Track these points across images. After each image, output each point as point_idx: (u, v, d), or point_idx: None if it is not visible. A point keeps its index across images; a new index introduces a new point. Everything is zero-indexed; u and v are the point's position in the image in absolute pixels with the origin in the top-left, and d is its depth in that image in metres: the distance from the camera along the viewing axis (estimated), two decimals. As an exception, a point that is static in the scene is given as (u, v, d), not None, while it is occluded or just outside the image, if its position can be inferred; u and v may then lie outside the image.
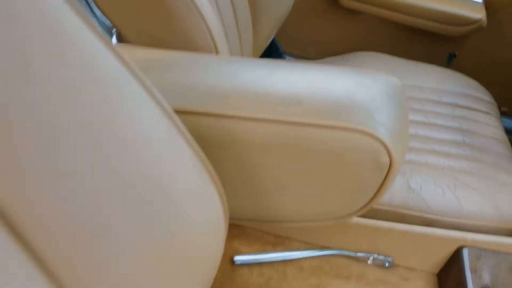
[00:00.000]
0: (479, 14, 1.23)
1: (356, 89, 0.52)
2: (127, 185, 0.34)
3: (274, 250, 0.74)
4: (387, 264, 0.75)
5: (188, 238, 0.40)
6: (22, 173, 0.31)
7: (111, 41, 0.36)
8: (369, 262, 0.75)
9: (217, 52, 0.69)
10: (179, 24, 0.66)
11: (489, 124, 1.03)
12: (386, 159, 0.48)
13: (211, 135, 0.46)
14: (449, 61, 1.41)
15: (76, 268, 0.33)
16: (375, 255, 0.74)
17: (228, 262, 0.70)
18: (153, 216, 0.36)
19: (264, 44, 1.16)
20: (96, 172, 0.32)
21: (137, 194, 0.35)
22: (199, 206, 0.40)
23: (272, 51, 1.34)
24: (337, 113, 0.48)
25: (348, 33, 1.40)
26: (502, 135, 1.01)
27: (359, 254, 0.75)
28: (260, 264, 0.71)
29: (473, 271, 0.70)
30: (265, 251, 0.73)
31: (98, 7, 0.70)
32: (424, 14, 1.29)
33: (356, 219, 0.73)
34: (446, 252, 0.74)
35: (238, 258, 0.70)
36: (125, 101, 0.34)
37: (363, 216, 0.74)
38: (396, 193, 0.76)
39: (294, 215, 0.55)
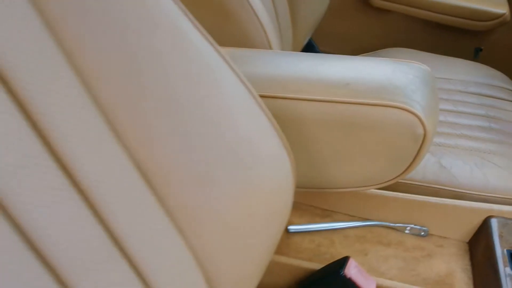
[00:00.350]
0: (503, 9, 1.31)
1: (394, 74, 0.62)
2: (222, 143, 0.45)
3: (322, 221, 0.84)
4: (422, 233, 0.84)
5: (265, 192, 0.50)
6: (154, 134, 0.42)
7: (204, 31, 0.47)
8: (406, 231, 0.84)
9: (270, 48, 0.80)
10: (238, 24, 0.77)
11: (514, 111, 1.11)
12: (421, 131, 0.58)
13: (275, 114, 0.57)
14: (476, 55, 1.49)
15: (181, 197, 0.44)
16: (412, 225, 0.84)
17: (283, 230, 0.80)
18: (239, 169, 0.47)
19: (302, 42, 1.27)
20: (203, 132, 0.44)
21: (229, 150, 0.46)
22: (274, 166, 0.50)
23: (308, 49, 1.44)
24: (379, 93, 0.58)
25: (379, 30, 1.49)
26: (527, 121, 1.09)
27: (397, 225, 0.84)
28: (310, 232, 0.82)
29: (500, 236, 0.79)
30: (314, 222, 0.83)
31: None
32: (450, 11, 1.38)
33: (393, 194, 0.83)
34: (475, 222, 0.83)
35: (292, 227, 0.81)
36: (226, 84, 0.45)
37: (400, 190, 0.83)
38: (429, 171, 0.86)
39: (343, 182, 0.65)
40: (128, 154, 0.42)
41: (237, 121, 0.47)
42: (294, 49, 1.22)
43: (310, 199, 0.86)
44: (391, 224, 0.84)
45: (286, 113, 0.59)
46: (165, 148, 0.43)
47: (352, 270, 0.64)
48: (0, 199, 0.34)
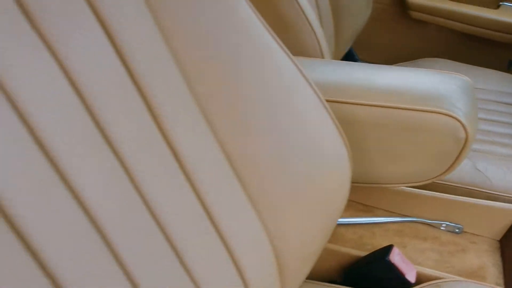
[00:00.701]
0: (537, 24, 1.37)
1: (440, 84, 0.70)
2: (298, 139, 0.54)
3: (364, 215, 0.92)
4: (457, 230, 0.91)
5: (329, 181, 0.59)
6: (243, 129, 0.51)
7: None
8: (442, 228, 0.92)
9: (322, 57, 0.89)
10: (296, 34, 0.86)
11: (546, 122, 1.17)
12: (463, 135, 0.66)
13: (336, 117, 0.65)
14: (510, 67, 1.55)
15: (261, 182, 0.53)
16: (447, 223, 0.91)
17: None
18: (310, 161, 0.55)
19: (344, 50, 1.35)
20: (284, 129, 0.52)
21: (303, 145, 0.54)
22: (337, 160, 0.59)
23: (348, 57, 1.51)
24: (426, 101, 0.66)
25: (416, 41, 1.56)
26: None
27: (434, 222, 0.92)
28: (353, 225, 0.90)
29: (530, 236, 0.86)
30: (357, 216, 0.91)
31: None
32: (485, 24, 1.44)
33: (432, 193, 0.90)
34: (507, 222, 0.90)
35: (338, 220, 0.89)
36: (301, 89, 0.54)
37: (439, 190, 0.91)
38: (465, 174, 0.93)
39: (389, 178, 0.73)
40: (220, 144, 0.51)
41: (310, 121, 0.55)
42: (336, 57, 1.30)
43: (354, 195, 0.94)
44: (428, 221, 0.92)
45: (343, 116, 0.67)
46: (251, 140, 0.52)
47: (395, 257, 0.72)
48: (129, 172, 0.43)
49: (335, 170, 0.59)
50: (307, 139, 0.55)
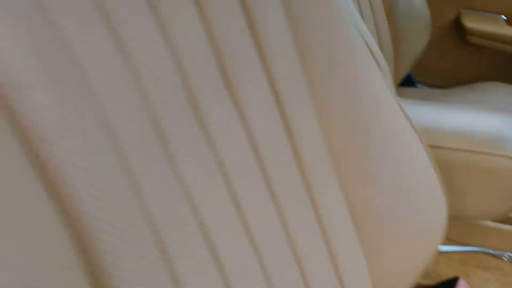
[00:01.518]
0: None
1: (504, 127, 0.74)
2: (406, 183, 0.58)
3: (428, 244, 0.96)
4: (519, 260, 0.94)
5: (429, 223, 0.63)
6: (365, 176, 0.56)
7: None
8: (504, 258, 0.94)
9: (388, 93, 0.93)
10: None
11: None
12: (529, 177, 0.70)
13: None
14: None
15: (371, 226, 0.58)
16: (510, 253, 0.94)
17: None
18: (413, 204, 0.60)
19: (402, 74, 1.38)
20: (397, 175, 0.57)
21: (410, 188, 0.59)
22: (435, 200, 0.63)
23: (406, 79, 1.54)
24: (493, 143, 0.70)
25: (474, 64, 1.58)
26: None
27: (497, 252, 0.94)
28: (418, 254, 0.94)
29: None
30: (421, 245, 0.95)
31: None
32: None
33: (494, 224, 0.93)
34: None
35: (402, 248, 0.93)
36: (410, 135, 0.59)
37: (501, 221, 0.94)
38: (527, 204, 0.96)
39: (461, 212, 0.77)
40: (342, 187, 0.55)
41: (418, 165, 0.60)
42: (395, 81, 1.33)
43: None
44: (491, 251, 0.95)
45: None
46: (370, 185, 0.56)
47: (462, 290, 0.75)
48: (264, 167, 0.48)
49: (434, 211, 0.64)
50: (415, 183, 0.59)
